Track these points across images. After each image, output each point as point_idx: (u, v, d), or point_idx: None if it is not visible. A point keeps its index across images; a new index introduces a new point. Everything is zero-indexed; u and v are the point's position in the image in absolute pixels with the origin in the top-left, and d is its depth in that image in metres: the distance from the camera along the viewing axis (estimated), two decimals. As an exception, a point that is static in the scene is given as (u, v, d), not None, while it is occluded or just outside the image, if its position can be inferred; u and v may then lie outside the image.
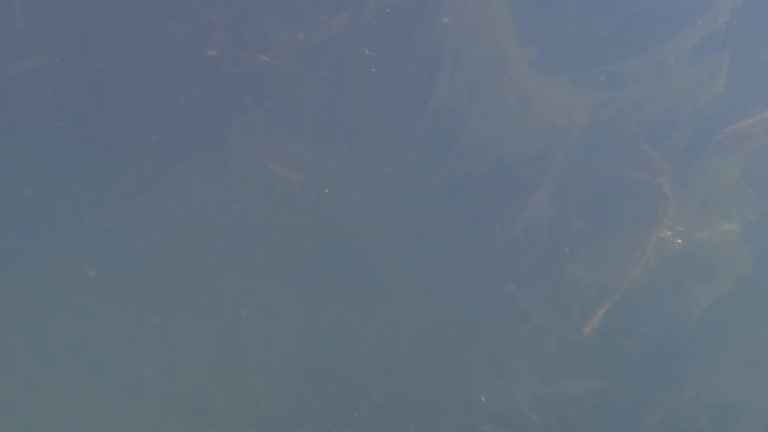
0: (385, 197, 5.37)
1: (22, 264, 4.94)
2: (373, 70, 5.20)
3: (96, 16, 4.85)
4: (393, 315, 5.36)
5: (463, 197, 5.42)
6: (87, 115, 5.00)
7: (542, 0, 5.41)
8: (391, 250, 5.40)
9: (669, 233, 5.35)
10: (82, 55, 4.89)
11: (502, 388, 5.32)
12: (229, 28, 4.85)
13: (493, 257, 5.42)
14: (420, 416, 5.25)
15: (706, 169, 5.52)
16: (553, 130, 5.44)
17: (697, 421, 5.28)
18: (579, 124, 5.46)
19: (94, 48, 4.90)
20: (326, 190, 5.21)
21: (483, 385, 5.31)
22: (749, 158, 5.43)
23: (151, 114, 4.95)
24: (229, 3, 4.81)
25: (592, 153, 5.45)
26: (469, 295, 5.42)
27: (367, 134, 5.32)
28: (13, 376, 4.90)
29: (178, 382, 5.06)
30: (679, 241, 5.34)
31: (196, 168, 5.10)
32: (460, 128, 5.41)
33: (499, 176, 5.44)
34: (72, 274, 4.95)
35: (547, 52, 5.42)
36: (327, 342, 5.28)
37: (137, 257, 5.02)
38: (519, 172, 5.44)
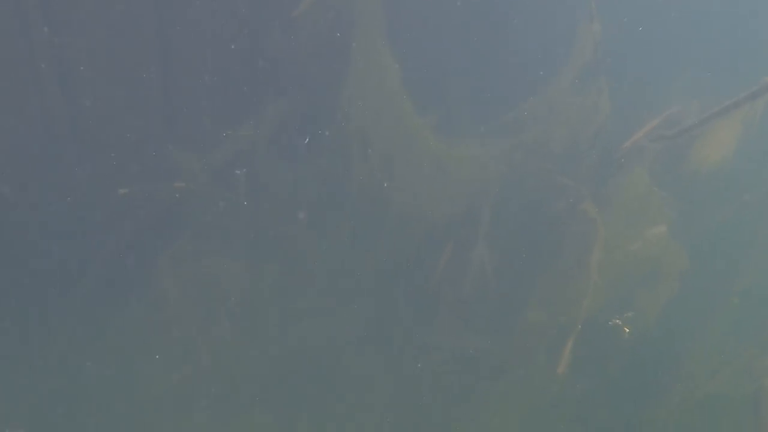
0: (326, 288, 5.31)
1: None
2: (288, 174, 5.24)
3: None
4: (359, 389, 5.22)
5: (407, 272, 5.43)
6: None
7: (431, 70, 5.68)
8: (355, 336, 5.31)
9: (618, 321, 5.54)
10: None
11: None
12: (135, 162, 4.77)
13: (448, 320, 5.41)
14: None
15: (619, 185, 5.83)
16: (474, 186, 5.61)
17: (690, 423, 5.33)
18: (495, 174, 5.66)
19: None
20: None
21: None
22: (653, 164, 5.80)
23: (75, 270, 4.73)
24: (129, 135, 4.75)
25: (515, 197, 5.64)
26: (436, 358, 5.36)
27: (297, 239, 5.30)
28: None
29: None
30: (627, 329, 5.51)
31: (132, 312, 4.88)
32: (386, 208, 5.48)
33: (435, 242, 5.51)
34: None
35: (446, 117, 5.66)
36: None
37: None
38: (454, 233, 5.53)
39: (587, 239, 5.67)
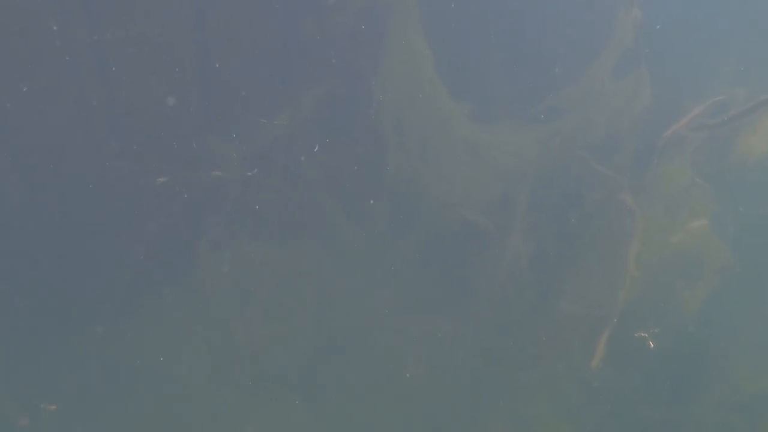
0: (363, 276, 5.31)
1: None
2: (324, 160, 5.22)
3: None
4: (398, 383, 5.21)
5: (438, 258, 5.40)
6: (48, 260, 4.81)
7: (466, 56, 5.60)
8: (380, 320, 5.30)
9: (644, 334, 5.43)
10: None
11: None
12: (173, 151, 4.81)
13: (484, 310, 5.37)
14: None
15: (659, 175, 5.69)
16: (508, 173, 5.54)
17: (731, 424, 5.22)
18: (531, 162, 5.58)
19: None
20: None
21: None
22: (695, 154, 5.65)
23: (114, 256, 4.80)
24: (167, 124, 4.79)
25: (550, 186, 5.55)
26: (470, 350, 5.33)
27: (332, 223, 5.29)
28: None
29: None
30: (652, 344, 5.40)
31: (170, 298, 4.93)
32: (421, 193, 5.44)
33: (470, 230, 5.46)
34: None
35: (482, 102, 5.58)
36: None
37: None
38: (488, 221, 5.47)
39: (625, 231, 5.56)
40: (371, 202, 5.29)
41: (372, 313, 5.23)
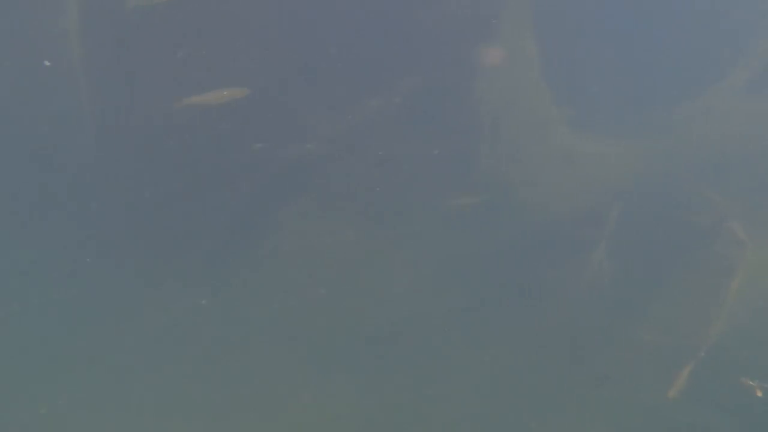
0: (441, 272, 5.30)
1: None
2: (415, 148, 5.32)
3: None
4: (463, 391, 5.13)
5: (518, 263, 5.29)
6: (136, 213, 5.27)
7: (575, 60, 5.45)
8: (455, 323, 5.26)
9: (752, 383, 4.94)
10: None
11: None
12: (271, 121, 5.14)
13: (557, 321, 5.17)
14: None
15: (778, 207, 5.18)
16: (603, 186, 5.31)
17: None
18: (630, 177, 5.31)
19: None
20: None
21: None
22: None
23: (201, 212, 5.16)
24: (267, 95, 5.11)
25: (648, 204, 5.24)
26: (542, 365, 5.14)
27: (414, 213, 5.35)
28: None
29: None
30: (760, 393, 4.90)
31: (250, 260, 5.18)
32: (509, 195, 5.37)
33: (554, 239, 5.30)
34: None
35: (586, 110, 5.41)
36: None
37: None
38: (575, 232, 5.28)
39: (730, 262, 5.12)
40: (455, 197, 5.29)
41: (438, 309, 5.19)
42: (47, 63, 4.80)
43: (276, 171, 5.22)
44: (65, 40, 4.86)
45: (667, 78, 5.34)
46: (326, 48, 5.22)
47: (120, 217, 5.03)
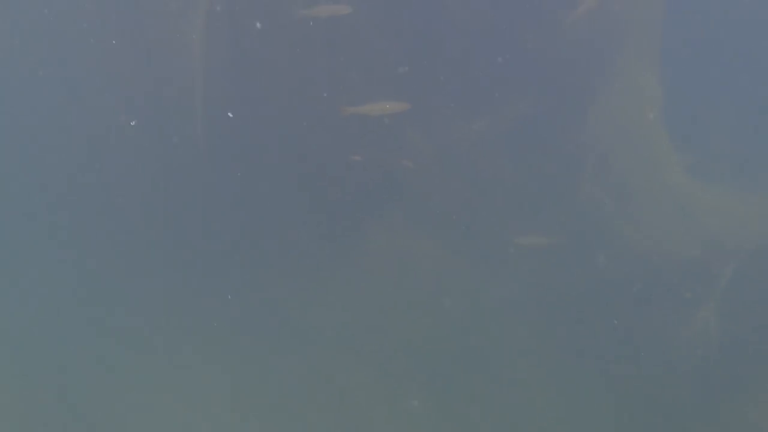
0: (530, 313, 5.00)
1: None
2: (515, 177, 5.09)
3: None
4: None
5: (614, 306, 4.91)
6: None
7: (701, 103, 5.10)
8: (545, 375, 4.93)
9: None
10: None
11: None
12: (371, 136, 5.05)
13: (651, 375, 4.75)
14: None
15: None
16: (719, 241, 4.88)
17: None
18: (752, 236, 4.86)
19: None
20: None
21: None
22: None
23: (293, 218, 5.08)
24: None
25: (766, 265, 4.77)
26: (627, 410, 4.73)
27: (500, 238, 5.08)
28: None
29: None
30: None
31: (338, 272, 5.10)
32: (611, 234, 5.02)
33: (656, 287, 4.89)
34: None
35: (707, 157, 5.03)
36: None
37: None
38: (680, 284, 4.85)
39: None
40: (549, 234, 4.99)
41: (526, 360, 4.88)
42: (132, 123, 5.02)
43: (369, 182, 5.09)
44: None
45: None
46: (443, 67, 5.09)
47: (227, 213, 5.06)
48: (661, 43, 4.99)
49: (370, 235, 5.09)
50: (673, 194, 5.04)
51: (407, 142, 5.09)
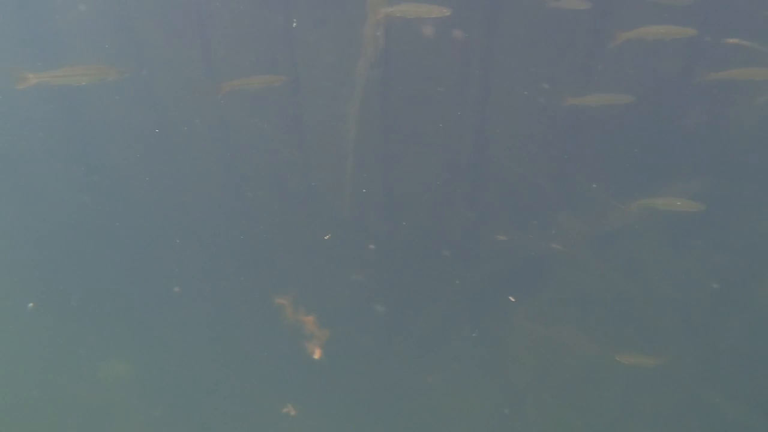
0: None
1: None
2: (673, 266, 4.79)
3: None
4: None
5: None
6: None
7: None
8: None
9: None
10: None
11: None
12: (520, 217, 4.94)
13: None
14: None
15: None
16: None
17: None
18: None
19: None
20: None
21: None
22: None
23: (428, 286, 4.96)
24: (521, 192, 4.94)
25: None
26: None
27: (654, 334, 4.74)
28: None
29: None
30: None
31: (463, 349, 4.89)
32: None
33: None
34: None
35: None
36: None
37: None
38: None
39: None
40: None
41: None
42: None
43: (515, 263, 4.94)
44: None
45: None
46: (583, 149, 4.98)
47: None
48: None
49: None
50: None
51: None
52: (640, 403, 4.54)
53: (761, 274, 4.67)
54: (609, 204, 4.76)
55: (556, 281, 4.88)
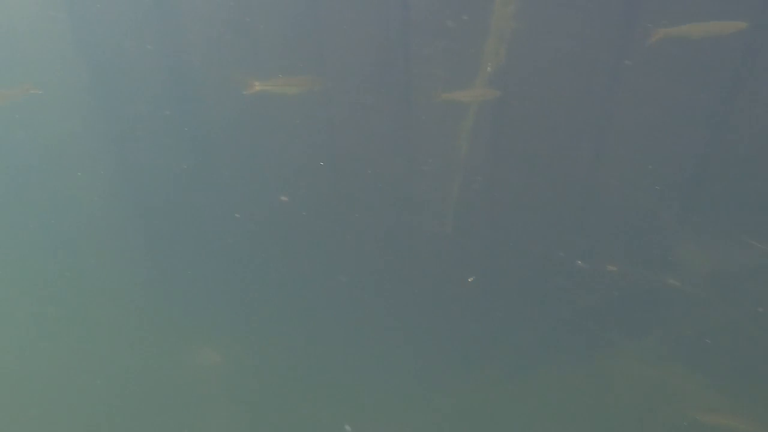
0: None
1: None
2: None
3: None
4: None
5: None
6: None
7: None
8: None
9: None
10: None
11: None
12: (631, 247, 4.60)
13: None
14: None
15: None
16: None
17: None
18: None
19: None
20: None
21: None
22: None
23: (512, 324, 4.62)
24: (638, 221, 4.63)
25: None
26: None
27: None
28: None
29: None
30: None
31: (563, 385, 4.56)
32: None
33: None
34: None
35: None
36: None
37: None
38: None
39: None
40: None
41: None
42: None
43: (625, 295, 4.59)
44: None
45: None
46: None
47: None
48: None
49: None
50: None
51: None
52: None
53: None
54: (742, 241, 4.42)
55: (669, 320, 4.52)
